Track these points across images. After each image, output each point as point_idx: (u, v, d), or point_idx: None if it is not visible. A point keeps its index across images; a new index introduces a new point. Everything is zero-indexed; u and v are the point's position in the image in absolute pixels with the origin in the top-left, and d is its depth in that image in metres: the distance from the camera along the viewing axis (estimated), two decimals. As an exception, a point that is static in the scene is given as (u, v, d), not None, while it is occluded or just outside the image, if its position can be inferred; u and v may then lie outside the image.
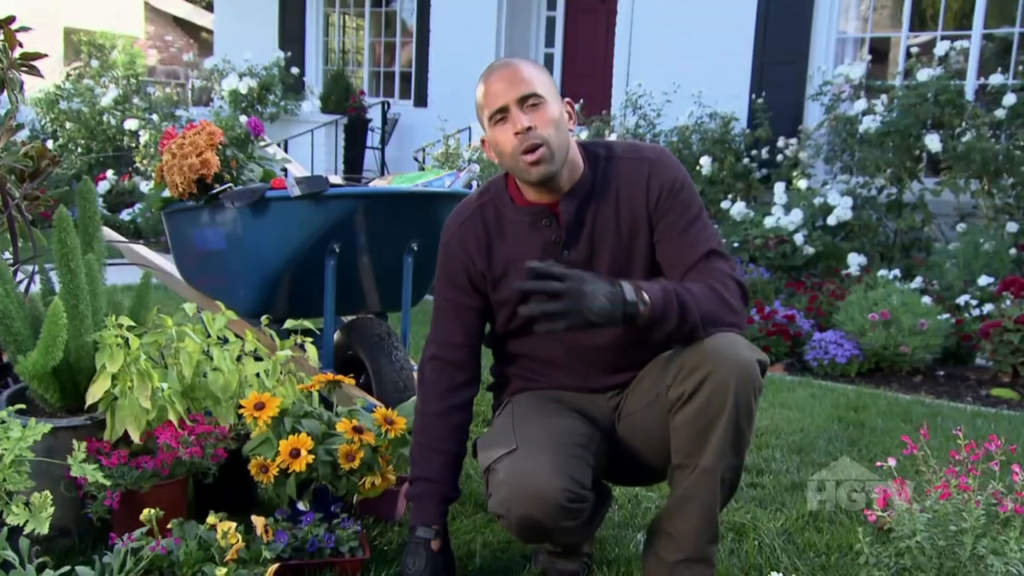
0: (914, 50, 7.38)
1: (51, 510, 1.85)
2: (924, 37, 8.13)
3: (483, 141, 1.99)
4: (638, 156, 1.97)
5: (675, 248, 1.93)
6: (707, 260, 1.91)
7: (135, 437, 2.26)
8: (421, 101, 11.38)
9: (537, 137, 1.83)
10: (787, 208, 6.86)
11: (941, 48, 6.93)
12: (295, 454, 2.25)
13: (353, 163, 11.00)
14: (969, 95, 7.19)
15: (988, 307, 5.25)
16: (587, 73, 10.68)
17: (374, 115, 11.28)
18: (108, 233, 3.41)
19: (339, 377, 2.62)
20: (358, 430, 2.31)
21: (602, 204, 1.95)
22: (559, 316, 1.69)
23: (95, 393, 2.26)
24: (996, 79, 6.78)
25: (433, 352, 2.10)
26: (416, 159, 9.59)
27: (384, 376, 3.13)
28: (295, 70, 11.34)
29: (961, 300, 5.45)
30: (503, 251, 2.00)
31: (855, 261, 6.33)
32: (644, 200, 1.94)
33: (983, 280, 5.56)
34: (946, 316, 5.19)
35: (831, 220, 6.69)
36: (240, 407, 2.36)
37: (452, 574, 2.11)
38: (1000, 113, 6.56)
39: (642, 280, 1.85)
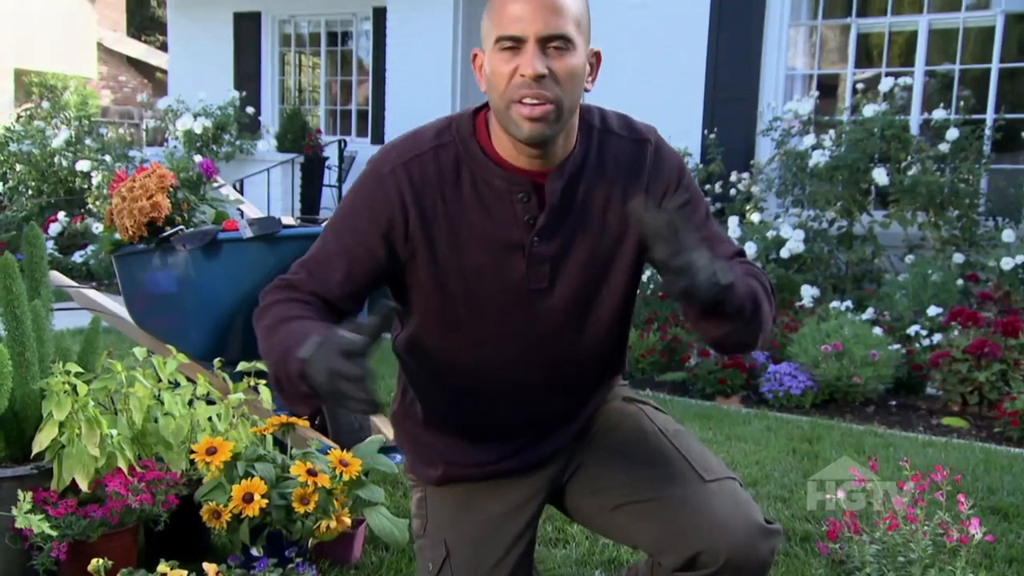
0: (860, 86, 7.55)
1: (-5, 563, 1.81)
2: (869, 73, 8.34)
3: (475, 55, 1.53)
4: (638, 137, 1.61)
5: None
6: (738, 260, 1.58)
7: (83, 486, 2.23)
8: (378, 138, 11.41)
9: (548, 91, 1.42)
10: (741, 241, 6.95)
11: (886, 84, 7.10)
12: (248, 499, 2.23)
13: (310, 201, 10.97)
14: (914, 129, 7.37)
15: (937, 337, 5.34)
16: (542, 110, 10.77)
17: (331, 153, 11.29)
18: (57, 277, 3.38)
19: (293, 420, 2.60)
20: (312, 473, 2.29)
21: (592, 190, 1.55)
22: (679, 276, 1.32)
23: (42, 441, 2.22)
24: (939, 114, 6.96)
25: (299, 276, 1.57)
26: (373, 197, 9.58)
27: (339, 417, 3.12)
28: (250, 109, 11.33)
29: (911, 330, 5.55)
30: (454, 215, 1.53)
31: (808, 293, 6.42)
32: (651, 189, 1.57)
33: (932, 310, 5.66)
34: (897, 347, 5.28)
35: (784, 253, 6.79)
36: (192, 452, 2.33)
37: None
38: (944, 147, 6.73)
39: (619, 289, 1.58)
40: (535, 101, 1.41)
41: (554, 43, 1.41)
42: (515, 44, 1.42)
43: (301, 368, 1.31)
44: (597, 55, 1.53)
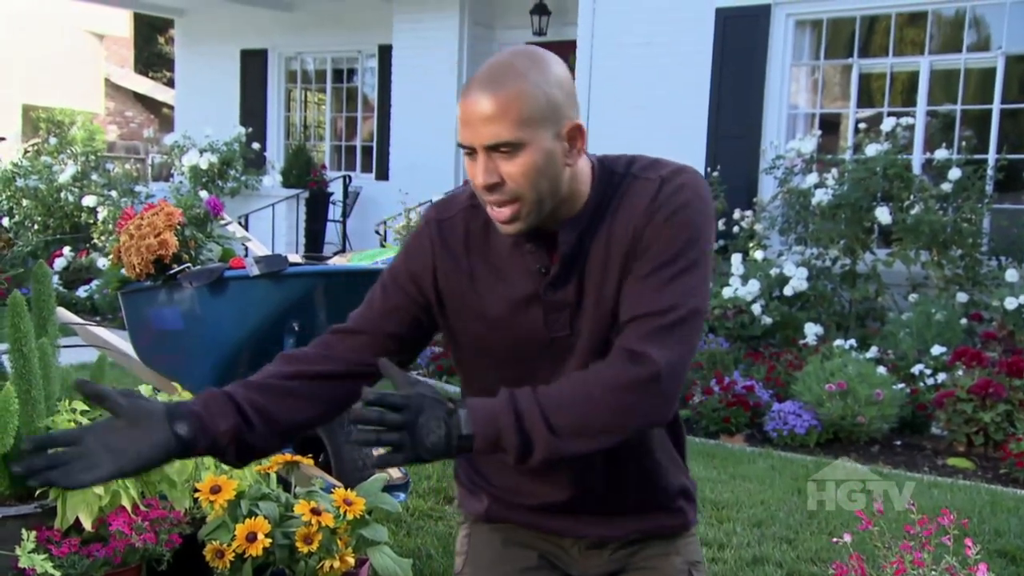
0: (862, 125, 7.60)
1: (-2, 603, 1.80)
2: (871, 112, 8.39)
3: None
4: (652, 175, 1.54)
5: (628, 295, 1.48)
6: (642, 323, 1.44)
7: (87, 524, 2.22)
8: (383, 174, 11.48)
9: (508, 193, 1.42)
10: (744, 279, 6.97)
11: (888, 123, 7.15)
12: (252, 538, 2.22)
13: (315, 236, 11.02)
14: (916, 169, 7.41)
15: (941, 376, 5.33)
16: (546, 147, 10.84)
17: (336, 188, 11.35)
18: (63, 314, 3.39)
19: (297, 458, 2.61)
20: (316, 512, 2.29)
21: (606, 234, 1.51)
22: (395, 448, 1.32)
23: (46, 480, 2.22)
24: (941, 154, 7.00)
25: (329, 329, 1.64)
26: (378, 232, 9.63)
27: (343, 455, 3.12)
28: (256, 145, 11.41)
29: (915, 370, 5.54)
30: (482, 263, 1.58)
31: (812, 331, 6.42)
32: (640, 223, 1.49)
33: (936, 349, 5.66)
34: (901, 386, 5.27)
35: (787, 290, 6.80)
36: (196, 491, 2.33)
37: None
38: (946, 187, 6.76)
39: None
40: (497, 206, 1.44)
41: (501, 149, 1.40)
42: (470, 151, 1.43)
43: None
44: (575, 128, 1.46)
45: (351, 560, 2.38)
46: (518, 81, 1.39)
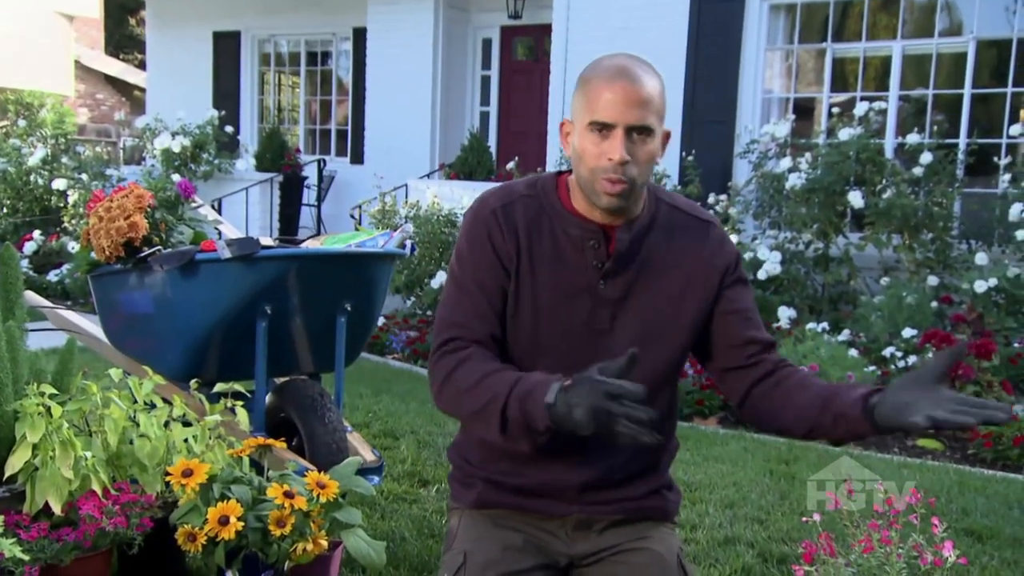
0: (836, 109, 7.65)
1: (-35, 588, 1.79)
2: (845, 97, 8.45)
3: (564, 124, 1.76)
4: (704, 218, 1.81)
5: (741, 331, 1.77)
6: (772, 351, 1.81)
7: (56, 508, 2.20)
8: (357, 158, 11.43)
9: (627, 173, 1.63)
10: (718, 263, 6.99)
11: (861, 108, 7.20)
12: (224, 521, 2.20)
13: (289, 220, 10.96)
14: (888, 153, 7.47)
15: (912, 359, 5.39)
16: (522, 131, 10.85)
17: (310, 172, 11.29)
18: (32, 297, 3.35)
19: (270, 441, 2.59)
20: (288, 495, 2.28)
21: (657, 247, 1.74)
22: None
23: (14, 464, 2.20)
24: (913, 138, 7.06)
25: (452, 335, 1.73)
26: (352, 216, 9.59)
27: (317, 438, 3.10)
28: (229, 128, 11.32)
29: (887, 352, 5.60)
30: (535, 255, 1.73)
31: (785, 314, 6.47)
32: (712, 263, 1.75)
33: (907, 332, 5.72)
34: (872, 368, 5.32)
35: (761, 274, 6.84)
36: (168, 474, 2.31)
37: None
38: (918, 171, 6.82)
39: (673, 346, 1.74)
40: (616, 180, 1.62)
41: (638, 132, 1.62)
42: (605, 129, 1.62)
43: (548, 412, 1.51)
44: (667, 135, 1.71)
45: (324, 543, 2.37)
46: (659, 80, 1.67)
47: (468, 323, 1.72)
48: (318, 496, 2.33)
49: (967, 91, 7.65)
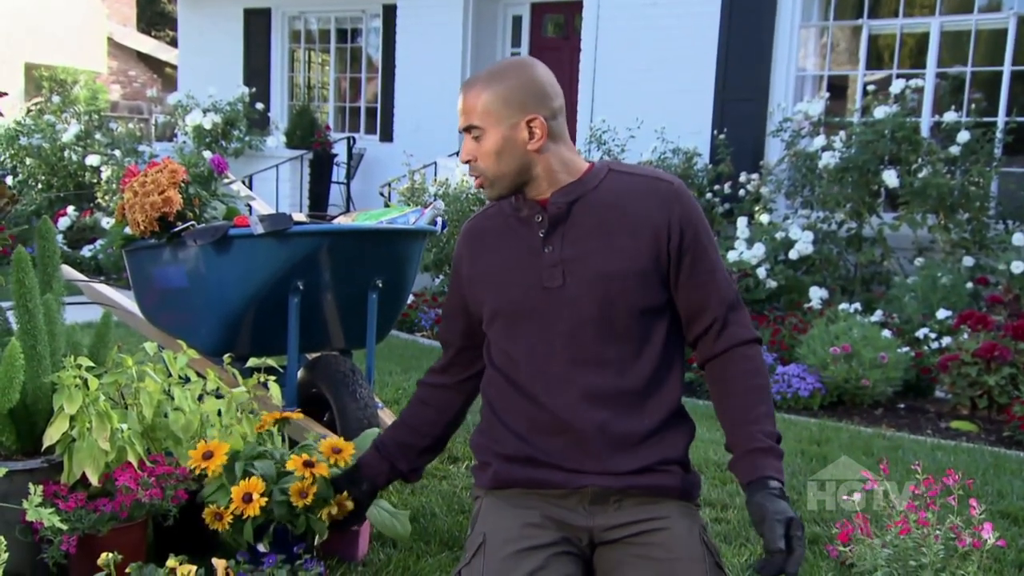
0: (871, 87, 7.53)
1: (5, 556, 1.81)
2: (880, 75, 8.32)
3: None
4: (658, 176, 1.87)
5: (698, 295, 1.83)
6: (732, 314, 1.85)
7: (93, 479, 2.23)
8: (387, 136, 11.42)
9: (475, 170, 1.85)
10: (750, 242, 6.94)
11: (897, 86, 7.08)
12: (248, 499, 2.21)
13: (318, 198, 10.98)
14: (924, 132, 7.35)
15: (946, 340, 5.33)
16: (551, 109, 10.77)
17: (340, 150, 11.29)
18: (68, 271, 3.38)
19: (286, 414, 2.58)
20: (308, 464, 2.28)
21: (599, 207, 1.83)
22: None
23: (52, 435, 2.22)
24: (950, 116, 6.94)
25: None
26: (382, 194, 9.60)
27: (348, 413, 3.12)
28: (260, 105, 11.34)
29: (920, 333, 5.53)
30: (495, 244, 1.93)
31: (816, 295, 6.41)
32: (666, 224, 1.80)
33: (941, 313, 5.65)
34: (906, 349, 5.26)
35: (793, 254, 6.78)
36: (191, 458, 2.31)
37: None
38: (954, 150, 6.71)
39: (635, 295, 1.80)
40: (475, 177, 1.86)
41: (472, 132, 1.81)
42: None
43: None
44: (533, 120, 1.79)
45: (349, 504, 2.36)
46: (487, 80, 1.81)
47: (443, 340, 2.09)
48: (336, 462, 2.33)
49: (1007, 68, 7.50)
